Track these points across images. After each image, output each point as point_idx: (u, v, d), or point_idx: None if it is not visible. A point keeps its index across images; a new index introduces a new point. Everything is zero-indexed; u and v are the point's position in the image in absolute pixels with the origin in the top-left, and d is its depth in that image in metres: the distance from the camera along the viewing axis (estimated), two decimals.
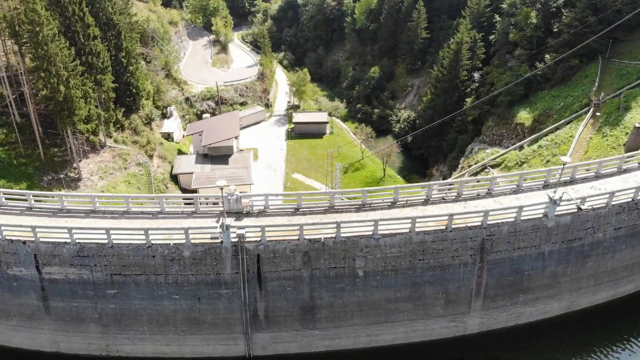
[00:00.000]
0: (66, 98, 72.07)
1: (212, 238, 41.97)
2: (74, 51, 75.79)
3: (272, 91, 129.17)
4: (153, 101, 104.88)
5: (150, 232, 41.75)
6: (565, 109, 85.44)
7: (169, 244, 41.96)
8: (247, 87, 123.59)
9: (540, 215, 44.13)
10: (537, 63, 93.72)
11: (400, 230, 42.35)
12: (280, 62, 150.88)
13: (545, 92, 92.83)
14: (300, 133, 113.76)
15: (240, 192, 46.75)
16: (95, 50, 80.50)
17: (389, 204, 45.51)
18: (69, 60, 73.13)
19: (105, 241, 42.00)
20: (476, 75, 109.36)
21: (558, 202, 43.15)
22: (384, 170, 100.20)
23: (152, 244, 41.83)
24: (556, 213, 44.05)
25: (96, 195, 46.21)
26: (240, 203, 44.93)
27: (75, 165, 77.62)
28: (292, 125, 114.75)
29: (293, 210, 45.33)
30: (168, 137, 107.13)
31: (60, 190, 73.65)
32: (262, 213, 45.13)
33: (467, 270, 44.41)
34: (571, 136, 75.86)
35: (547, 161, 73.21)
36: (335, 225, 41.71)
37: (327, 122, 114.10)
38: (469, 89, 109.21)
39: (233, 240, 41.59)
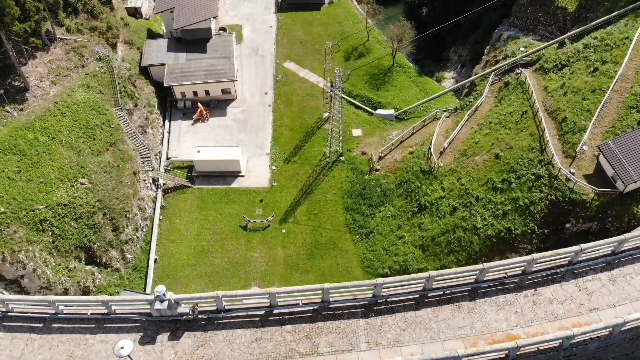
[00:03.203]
0: None
1: None
2: None
3: None
4: None
5: None
6: None
7: None
8: None
9: None
10: None
11: None
12: None
13: None
14: (293, 3, 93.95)
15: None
16: None
17: (416, 297, 29.94)
18: None
19: None
20: None
21: None
22: (393, 57, 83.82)
23: None
24: None
25: None
26: (177, 309, 29.30)
27: (19, 72, 62.24)
28: None
29: (264, 313, 29.71)
30: (135, 12, 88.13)
31: (4, 107, 59.55)
32: (211, 322, 29.40)
33: None
34: (626, 38, 59.25)
35: (595, 69, 58.13)
36: None
37: None
38: None
39: None
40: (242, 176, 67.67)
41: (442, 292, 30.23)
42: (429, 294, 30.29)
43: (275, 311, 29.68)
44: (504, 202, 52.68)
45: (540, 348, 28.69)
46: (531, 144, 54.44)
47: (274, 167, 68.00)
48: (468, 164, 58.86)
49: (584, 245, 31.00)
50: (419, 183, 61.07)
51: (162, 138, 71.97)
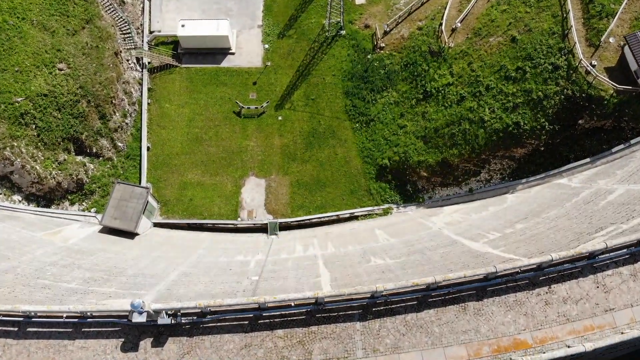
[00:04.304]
0: None
1: None
2: None
3: None
4: None
5: None
6: None
7: None
8: None
9: None
10: None
11: None
12: None
13: None
14: None
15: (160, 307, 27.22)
16: None
17: (419, 297, 28.15)
18: None
19: None
20: None
21: None
22: None
23: None
24: None
25: None
26: (157, 320, 27.63)
27: None
28: None
29: (253, 316, 28.14)
30: None
31: None
32: (196, 326, 28.17)
33: None
34: None
35: None
36: None
37: None
38: None
39: None
40: (233, 54, 64.71)
41: (447, 291, 28.88)
42: (433, 293, 28.94)
43: (265, 314, 28.46)
44: (516, 94, 51.30)
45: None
46: (552, 28, 51.26)
47: (266, 46, 64.61)
48: (481, 46, 56.00)
49: (609, 242, 28.52)
50: (426, 66, 58.74)
51: (143, 8, 67.16)
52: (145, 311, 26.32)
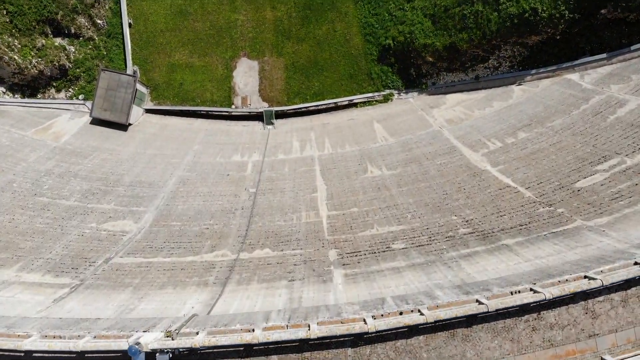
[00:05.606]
0: None
1: None
2: None
3: None
4: None
5: None
6: None
7: None
8: None
9: None
10: None
11: None
12: None
13: None
14: None
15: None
16: None
17: (410, 325, 27.76)
18: None
19: None
20: None
21: None
22: None
23: None
24: None
25: None
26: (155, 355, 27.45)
27: None
28: None
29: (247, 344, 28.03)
30: None
31: None
32: (194, 352, 28.11)
33: None
34: None
35: None
36: None
37: None
38: None
39: None
40: None
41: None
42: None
43: (260, 343, 29.07)
44: None
45: None
46: None
47: None
48: None
49: (605, 279, 28.14)
50: None
51: None
52: (142, 352, 28.95)
